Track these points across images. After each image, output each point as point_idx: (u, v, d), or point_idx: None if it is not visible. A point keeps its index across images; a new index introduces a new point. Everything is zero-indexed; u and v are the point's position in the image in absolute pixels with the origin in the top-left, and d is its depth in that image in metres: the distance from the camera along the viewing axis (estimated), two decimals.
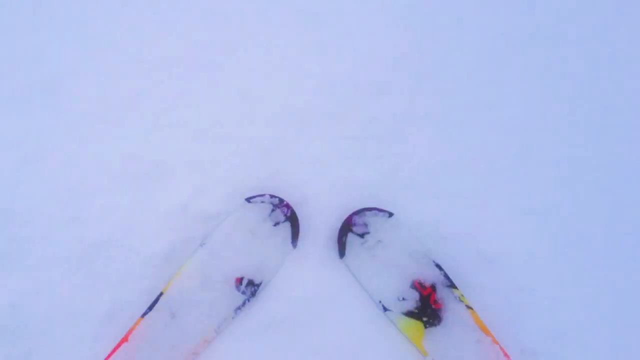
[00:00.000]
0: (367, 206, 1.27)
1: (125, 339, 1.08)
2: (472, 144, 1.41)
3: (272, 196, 1.27)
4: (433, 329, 1.13)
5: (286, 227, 1.24)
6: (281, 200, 1.27)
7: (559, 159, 1.40)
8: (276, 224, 1.24)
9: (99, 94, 1.42)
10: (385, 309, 1.16)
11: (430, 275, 1.18)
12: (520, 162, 1.39)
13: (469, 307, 1.15)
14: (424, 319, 1.14)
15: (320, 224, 1.28)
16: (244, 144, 1.37)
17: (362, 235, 1.24)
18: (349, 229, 1.24)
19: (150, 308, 1.11)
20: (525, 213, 1.32)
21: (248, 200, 1.26)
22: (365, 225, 1.25)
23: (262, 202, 1.26)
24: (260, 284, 1.17)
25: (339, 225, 1.25)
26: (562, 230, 1.30)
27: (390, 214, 1.26)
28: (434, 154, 1.38)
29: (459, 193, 1.33)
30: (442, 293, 1.16)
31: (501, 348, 1.10)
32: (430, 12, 1.61)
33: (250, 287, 1.16)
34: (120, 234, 1.23)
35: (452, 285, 1.18)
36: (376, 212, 1.26)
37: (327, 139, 1.39)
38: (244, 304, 1.14)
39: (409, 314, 1.15)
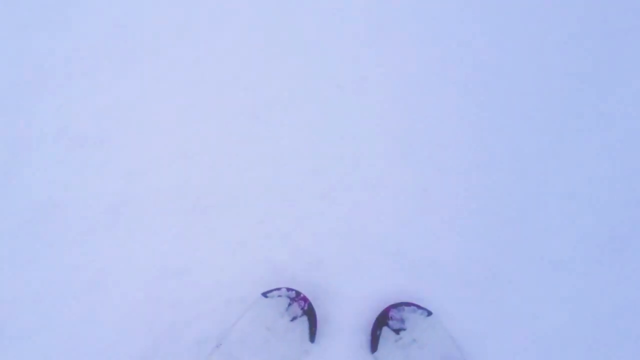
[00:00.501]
0: (404, 300, 1.21)
1: None
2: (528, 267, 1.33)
3: (288, 289, 1.24)
4: None
5: (303, 322, 1.21)
6: (298, 293, 1.24)
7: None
8: (293, 318, 1.21)
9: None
10: None
11: None
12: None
13: None
14: None
15: (339, 317, 1.25)
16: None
17: (397, 331, 1.16)
18: (385, 323, 1.17)
19: None
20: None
21: (264, 295, 1.23)
22: (402, 320, 1.16)
23: (279, 296, 1.23)
24: None
25: (362, 318, 1.20)
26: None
27: (429, 313, 1.18)
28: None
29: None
30: None
31: None
32: None
33: None
34: None
35: None
36: (415, 308, 1.19)
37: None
38: None
39: None
